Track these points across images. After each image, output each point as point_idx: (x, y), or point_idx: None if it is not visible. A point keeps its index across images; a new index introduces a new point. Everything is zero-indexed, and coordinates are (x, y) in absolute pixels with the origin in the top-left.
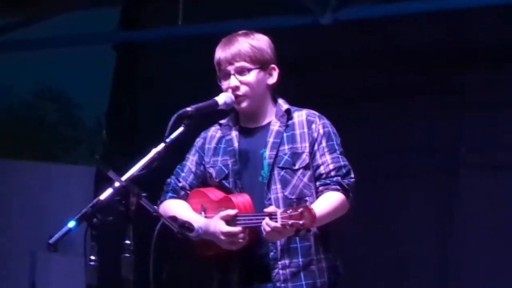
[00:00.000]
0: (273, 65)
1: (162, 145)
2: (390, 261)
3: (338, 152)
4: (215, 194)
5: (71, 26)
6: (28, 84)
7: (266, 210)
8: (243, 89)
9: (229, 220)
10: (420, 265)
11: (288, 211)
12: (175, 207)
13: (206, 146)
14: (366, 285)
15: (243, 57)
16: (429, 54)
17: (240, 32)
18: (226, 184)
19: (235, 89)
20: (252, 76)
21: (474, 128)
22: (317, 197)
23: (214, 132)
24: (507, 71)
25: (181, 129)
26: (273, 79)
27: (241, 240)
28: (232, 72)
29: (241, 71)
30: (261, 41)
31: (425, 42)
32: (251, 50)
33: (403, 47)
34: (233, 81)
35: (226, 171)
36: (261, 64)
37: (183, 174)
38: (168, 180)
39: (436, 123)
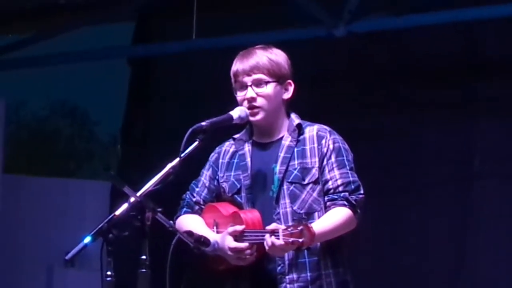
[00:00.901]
0: (289, 81)
1: (177, 160)
2: (404, 273)
3: (347, 167)
4: (226, 209)
5: (85, 41)
6: (43, 99)
7: (268, 227)
8: (260, 101)
9: (237, 236)
10: (435, 276)
11: (289, 229)
12: (188, 222)
13: (220, 160)
14: None
15: (261, 69)
16: (443, 65)
17: (258, 46)
18: (238, 198)
19: (251, 100)
20: (269, 89)
21: (488, 138)
22: (325, 212)
23: (228, 147)
24: None
25: (196, 143)
26: (288, 94)
27: (248, 256)
28: (249, 83)
29: (258, 83)
30: (279, 56)
31: (439, 53)
32: (269, 63)
33: (417, 59)
34: (250, 92)
35: (238, 186)
36: (278, 77)
37: (197, 189)
38: (184, 195)
39: (450, 135)
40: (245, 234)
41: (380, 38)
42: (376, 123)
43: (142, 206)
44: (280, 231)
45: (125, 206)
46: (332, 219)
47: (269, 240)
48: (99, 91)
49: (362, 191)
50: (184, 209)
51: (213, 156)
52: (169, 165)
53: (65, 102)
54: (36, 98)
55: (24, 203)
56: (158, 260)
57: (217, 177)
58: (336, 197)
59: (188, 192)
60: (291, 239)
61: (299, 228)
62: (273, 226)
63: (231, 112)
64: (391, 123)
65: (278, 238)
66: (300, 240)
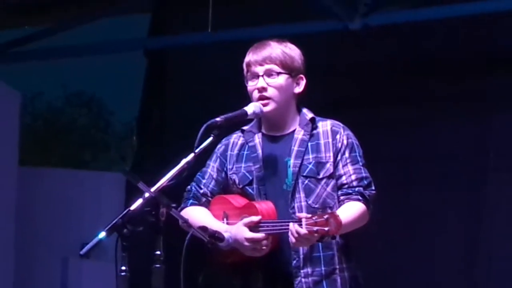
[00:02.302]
0: (301, 75)
1: (191, 155)
2: (417, 266)
3: (360, 163)
4: (237, 200)
5: (102, 33)
6: (59, 90)
7: (298, 214)
8: (270, 92)
9: (252, 227)
10: (448, 270)
11: (314, 218)
12: (196, 214)
13: (229, 152)
14: None
15: (274, 60)
16: (458, 59)
17: (273, 39)
18: (250, 190)
19: (261, 90)
20: (280, 80)
21: (503, 132)
22: (339, 207)
23: (236, 138)
24: None
25: (210, 139)
26: (299, 88)
27: (264, 247)
28: (261, 73)
29: (269, 74)
30: (293, 50)
31: (453, 47)
32: (283, 55)
33: (432, 52)
34: (261, 82)
35: (250, 178)
36: (290, 70)
37: (204, 181)
38: (189, 187)
39: (465, 128)
40: (261, 224)
41: (395, 31)
42: (390, 116)
43: (157, 202)
44: (304, 220)
45: (140, 201)
46: (350, 211)
47: (293, 229)
48: (115, 83)
49: (373, 188)
50: (191, 200)
51: (220, 148)
52: (184, 161)
53: (81, 93)
54: (52, 90)
55: (39, 195)
56: (172, 256)
57: (225, 169)
58: (350, 191)
59: (193, 184)
60: (315, 228)
61: (324, 217)
62: (302, 215)
63: (246, 108)
64: (405, 116)
65: (301, 227)
66: (326, 229)
